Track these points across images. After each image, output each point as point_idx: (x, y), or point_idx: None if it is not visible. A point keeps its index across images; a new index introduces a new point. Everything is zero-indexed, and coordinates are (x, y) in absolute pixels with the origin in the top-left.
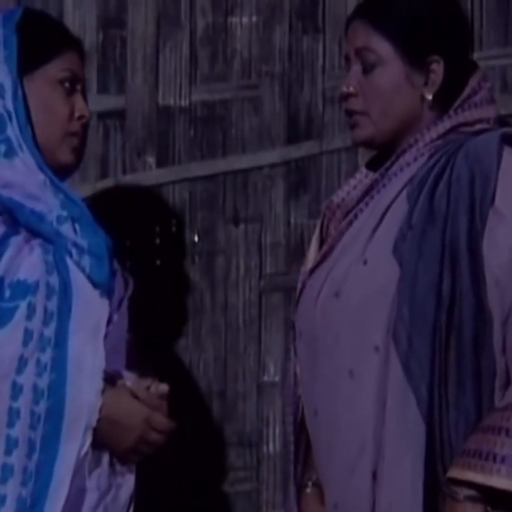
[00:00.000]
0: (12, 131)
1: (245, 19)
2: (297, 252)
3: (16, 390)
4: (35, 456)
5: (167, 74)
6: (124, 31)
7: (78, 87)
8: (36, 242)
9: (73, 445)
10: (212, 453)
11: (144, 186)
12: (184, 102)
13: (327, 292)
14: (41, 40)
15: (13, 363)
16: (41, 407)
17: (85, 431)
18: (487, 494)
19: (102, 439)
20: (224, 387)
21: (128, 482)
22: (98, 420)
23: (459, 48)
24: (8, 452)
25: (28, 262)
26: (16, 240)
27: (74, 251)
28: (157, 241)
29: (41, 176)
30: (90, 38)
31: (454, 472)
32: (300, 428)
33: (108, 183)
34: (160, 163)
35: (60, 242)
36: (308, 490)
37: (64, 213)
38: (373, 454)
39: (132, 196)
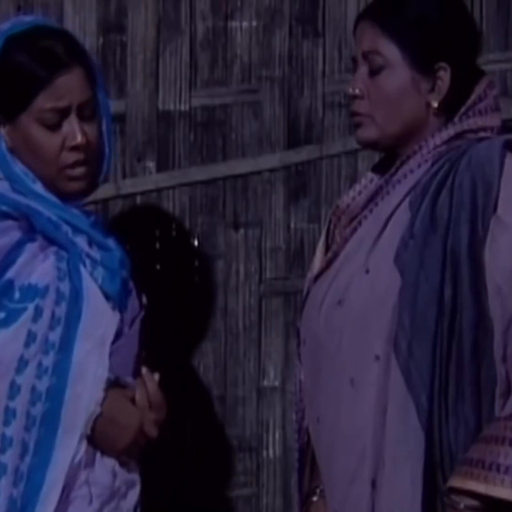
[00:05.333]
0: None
1: (245, 24)
2: (297, 257)
3: (14, 390)
4: (28, 458)
5: (167, 79)
6: (124, 35)
7: (70, 114)
8: (51, 249)
9: (67, 451)
10: (212, 457)
11: (144, 191)
12: (184, 107)
13: (331, 300)
14: (13, 89)
15: (12, 363)
16: (38, 410)
17: (80, 438)
18: (488, 504)
19: (99, 439)
20: (224, 392)
21: (133, 492)
22: (96, 419)
23: (467, 55)
24: (2, 450)
25: (41, 268)
26: (31, 247)
27: (87, 261)
28: (157, 245)
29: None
30: (90, 42)
31: (456, 481)
32: (309, 435)
33: (108, 187)
34: (160, 168)
35: (75, 251)
36: (316, 498)
37: (78, 229)
38: (372, 462)
39: (132, 201)
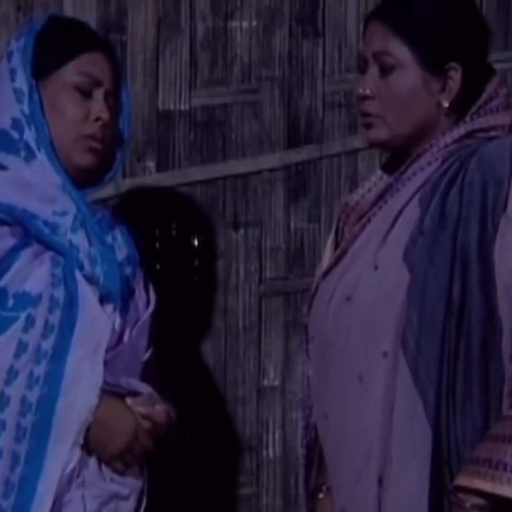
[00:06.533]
0: (30, 134)
1: (245, 24)
2: (297, 257)
3: (3, 401)
4: (18, 469)
5: (167, 79)
6: (124, 35)
7: (99, 90)
8: (46, 255)
9: (59, 461)
10: (211, 457)
11: (144, 191)
12: (184, 107)
13: (339, 296)
14: (54, 45)
15: (1, 374)
16: (28, 421)
17: (72, 448)
18: (495, 503)
19: (91, 442)
20: (224, 392)
21: (134, 496)
22: (89, 425)
23: (477, 54)
24: None
25: (35, 274)
26: (26, 253)
27: (86, 262)
28: (157, 245)
29: (58, 179)
30: None
31: (462, 480)
32: (316, 432)
33: (107, 187)
34: (160, 168)
35: (72, 255)
36: (322, 495)
37: (80, 216)
38: (379, 459)
39: (132, 201)
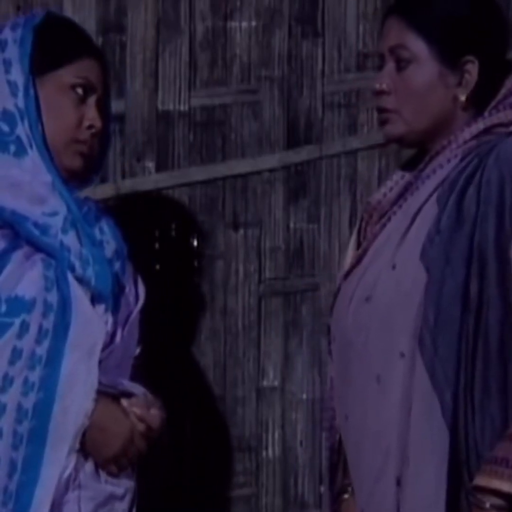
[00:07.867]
0: (23, 129)
1: (244, 24)
2: (297, 257)
3: None
4: (16, 477)
5: (166, 79)
6: (124, 35)
7: (93, 96)
8: (37, 257)
9: (55, 468)
10: (211, 458)
11: (143, 191)
12: (183, 107)
13: (359, 296)
14: (56, 43)
15: None
16: (24, 427)
17: (69, 453)
18: None
19: (87, 445)
20: (224, 392)
21: (129, 495)
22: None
23: (495, 48)
24: None
25: (28, 277)
26: (17, 256)
27: (77, 263)
28: (157, 245)
29: (49, 177)
30: None
31: (480, 480)
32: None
33: (107, 187)
34: (159, 168)
35: (63, 256)
36: (347, 495)
37: (70, 216)
38: (398, 459)
39: (131, 201)
